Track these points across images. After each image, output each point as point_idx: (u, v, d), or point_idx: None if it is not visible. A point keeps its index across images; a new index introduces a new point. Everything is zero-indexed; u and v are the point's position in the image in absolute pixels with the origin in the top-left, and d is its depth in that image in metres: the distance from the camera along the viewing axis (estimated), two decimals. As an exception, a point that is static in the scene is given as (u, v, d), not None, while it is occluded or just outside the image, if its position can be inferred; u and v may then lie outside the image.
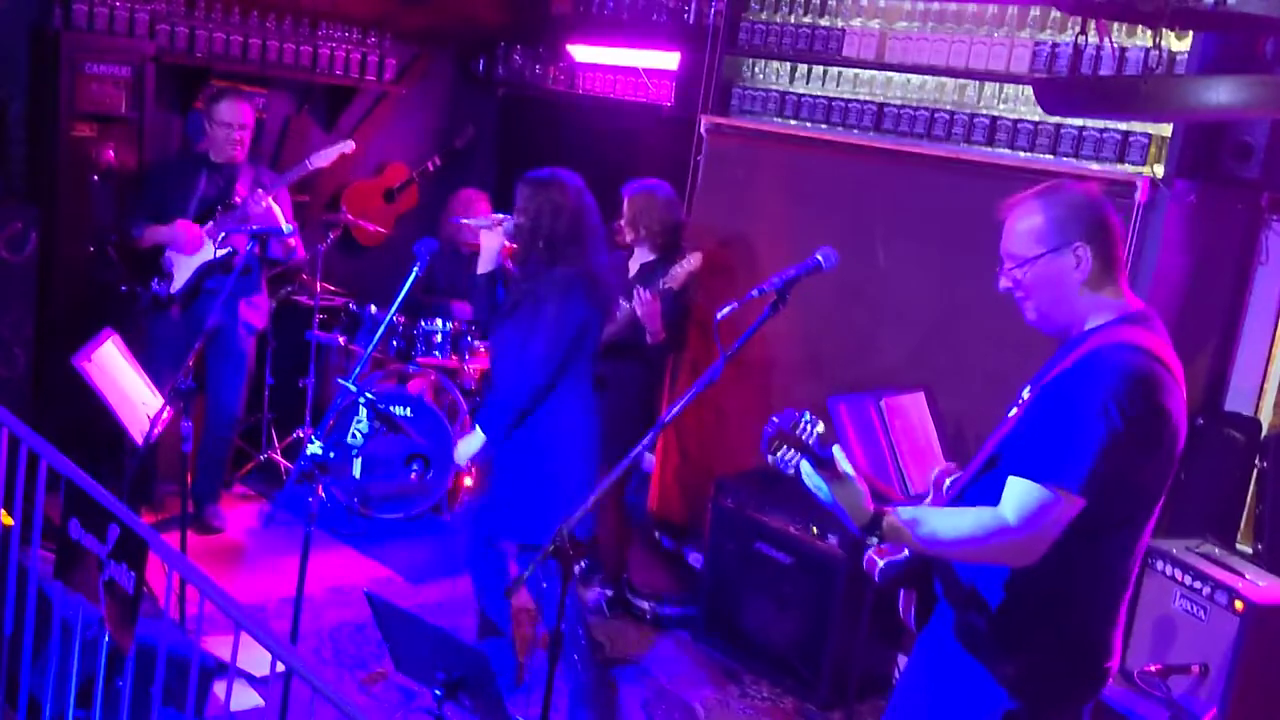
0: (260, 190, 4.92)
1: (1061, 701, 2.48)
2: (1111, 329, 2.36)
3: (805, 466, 2.33)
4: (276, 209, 4.90)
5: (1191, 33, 3.57)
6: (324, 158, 5.11)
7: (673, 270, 4.48)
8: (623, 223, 4.72)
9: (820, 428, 2.36)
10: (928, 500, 2.65)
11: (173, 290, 4.98)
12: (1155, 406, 2.26)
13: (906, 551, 2.48)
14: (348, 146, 5.23)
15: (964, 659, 2.47)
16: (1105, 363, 2.27)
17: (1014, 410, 2.50)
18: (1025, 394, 2.51)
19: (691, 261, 4.48)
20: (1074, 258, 2.37)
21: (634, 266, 4.77)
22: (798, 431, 2.33)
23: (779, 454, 2.36)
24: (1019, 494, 2.26)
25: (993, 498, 2.36)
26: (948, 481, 2.67)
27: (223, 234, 4.88)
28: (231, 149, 4.97)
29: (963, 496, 2.54)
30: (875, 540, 2.36)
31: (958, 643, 2.48)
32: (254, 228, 4.72)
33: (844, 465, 2.32)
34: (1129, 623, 3.63)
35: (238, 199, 4.94)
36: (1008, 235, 2.45)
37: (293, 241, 5.01)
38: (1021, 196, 2.46)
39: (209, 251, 4.93)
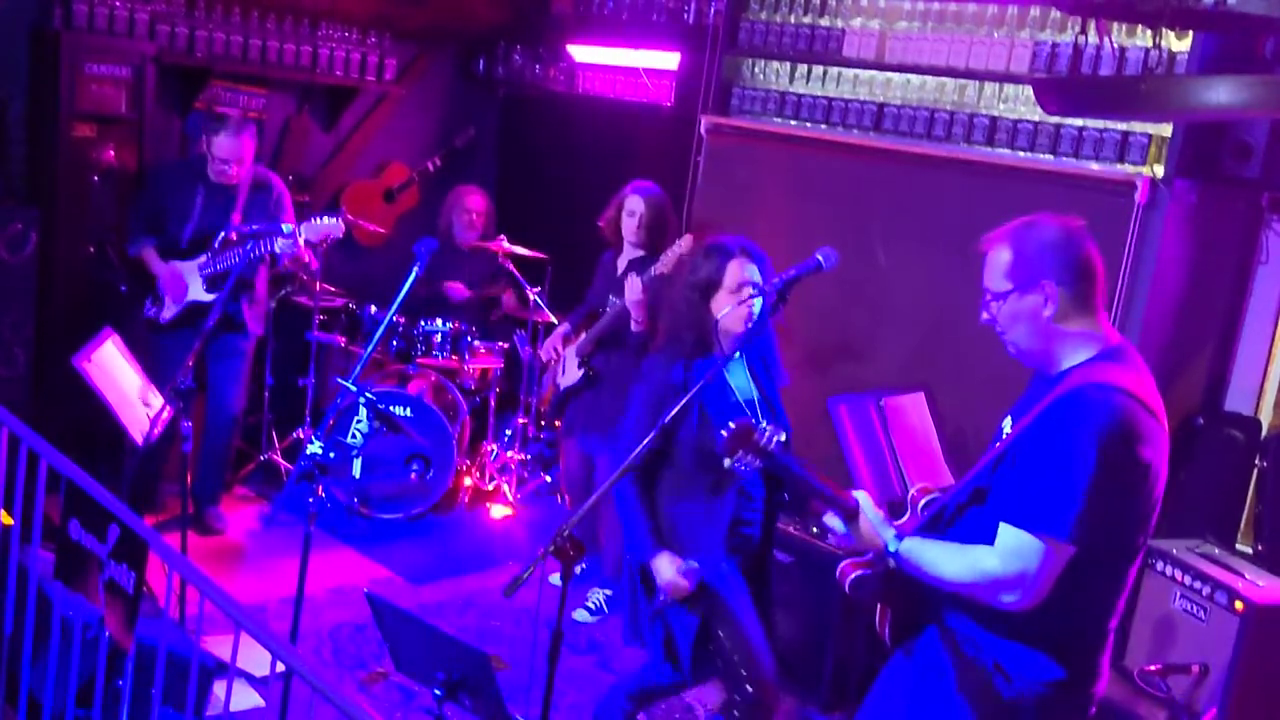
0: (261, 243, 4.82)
1: None
2: (1090, 367, 2.37)
3: (830, 518, 2.54)
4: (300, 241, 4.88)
5: (1191, 33, 3.57)
6: (314, 230, 4.89)
7: (663, 256, 4.44)
8: (636, 225, 4.69)
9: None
10: (904, 520, 2.68)
11: (162, 320, 4.98)
12: (1135, 451, 2.27)
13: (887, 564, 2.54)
14: (337, 230, 4.96)
15: (955, 683, 2.50)
16: (1086, 406, 2.28)
17: (998, 443, 2.51)
18: (1007, 426, 2.52)
19: (682, 245, 4.40)
20: (1042, 295, 2.38)
21: (622, 264, 4.79)
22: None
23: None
24: (1008, 542, 2.30)
25: (981, 534, 2.40)
26: (923, 502, 2.70)
27: (223, 265, 4.84)
28: (226, 179, 4.93)
29: (950, 527, 2.56)
30: (893, 564, 2.47)
31: (948, 670, 2.51)
32: (235, 261, 4.73)
33: (864, 501, 2.49)
34: (1128, 623, 3.63)
35: (234, 234, 4.87)
36: (985, 269, 2.48)
37: (306, 257, 5.02)
38: (999, 231, 2.48)
39: (199, 291, 4.92)
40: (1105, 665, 2.48)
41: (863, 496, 2.51)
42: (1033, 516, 2.27)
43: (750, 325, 3.15)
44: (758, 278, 3.22)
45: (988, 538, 2.35)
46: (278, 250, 4.82)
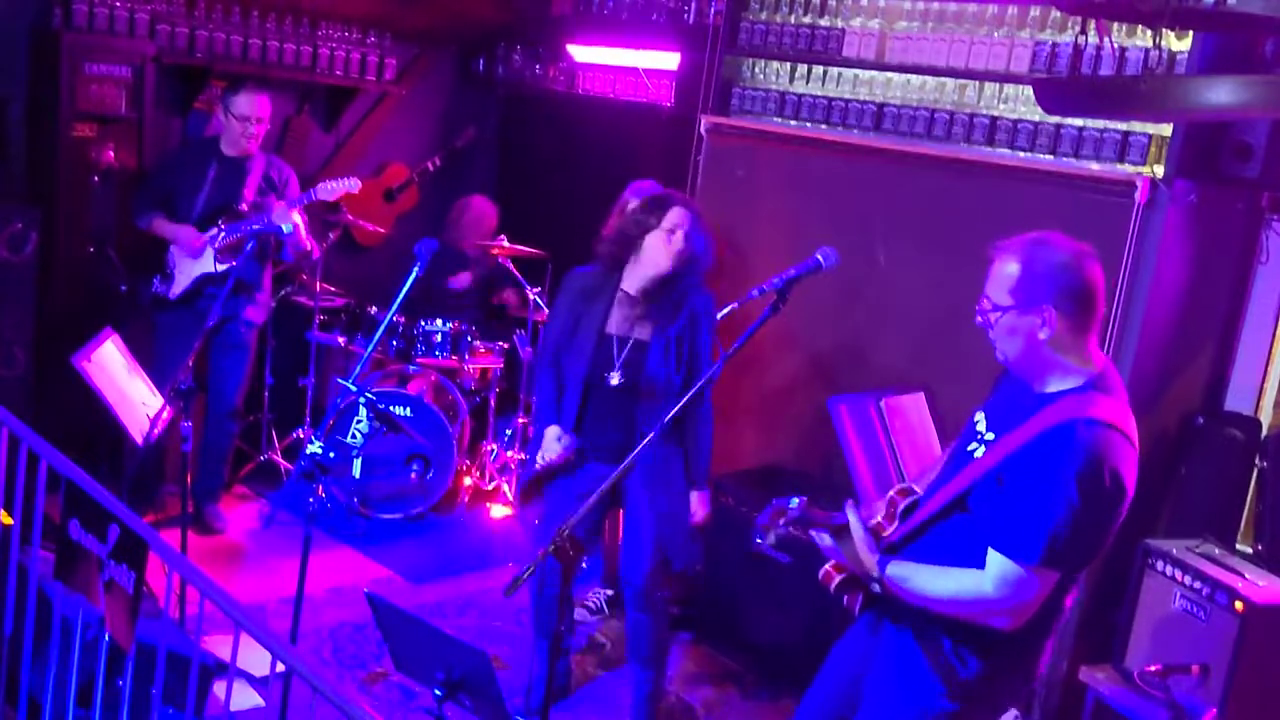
0: (278, 202, 4.93)
1: (992, 707, 2.70)
2: (1080, 398, 2.43)
3: (825, 539, 2.62)
4: (299, 221, 4.93)
5: (1191, 33, 3.57)
6: (329, 191, 5.09)
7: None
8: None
9: (794, 502, 2.58)
10: (878, 519, 2.73)
11: (171, 295, 5.00)
12: (1118, 482, 2.38)
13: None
14: (354, 186, 5.19)
15: (904, 661, 2.62)
16: (1077, 443, 2.36)
17: (976, 447, 2.58)
18: (981, 424, 2.60)
19: None
20: (1040, 318, 2.43)
21: None
22: (782, 520, 2.59)
23: (767, 538, 2.64)
24: (1000, 571, 2.41)
25: (963, 543, 2.50)
26: (904, 507, 2.74)
27: (234, 234, 4.87)
28: (246, 142, 4.99)
29: (927, 535, 2.63)
30: (878, 588, 2.57)
31: (910, 652, 2.62)
32: (255, 227, 4.76)
33: (853, 521, 2.58)
34: (1129, 623, 3.64)
35: (244, 205, 4.95)
36: (990, 276, 2.51)
37: (307, 245, 5.07)
38: (1012, 241, 2.51)
39: (209, 263, 4.94)
40: (1046, 657, 2.66)
41: (851, 515, 2.58)
42: (1026, 548, 2.37)
43: (673, 264, 3.65)
44: (686, 226, 3.67)
45: (972, 547, 2.46)
46: (281, 225, 4.81)
